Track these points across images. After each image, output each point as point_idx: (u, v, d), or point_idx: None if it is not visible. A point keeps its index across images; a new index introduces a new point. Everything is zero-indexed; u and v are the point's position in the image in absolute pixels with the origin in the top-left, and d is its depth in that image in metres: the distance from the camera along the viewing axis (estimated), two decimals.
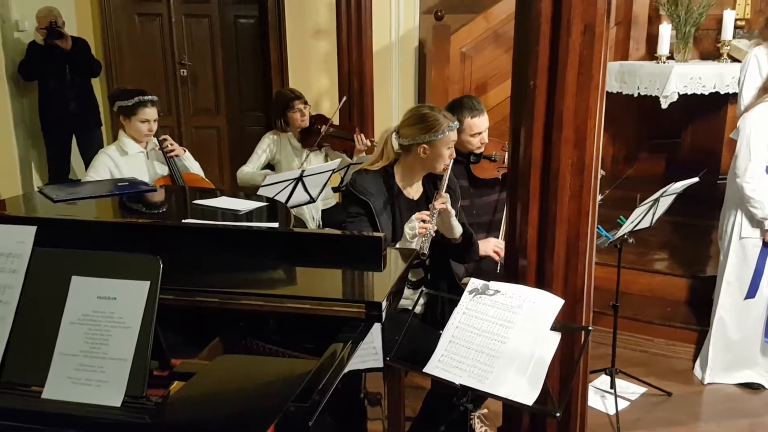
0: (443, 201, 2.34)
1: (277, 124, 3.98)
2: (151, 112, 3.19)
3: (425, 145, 2.39)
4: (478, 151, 3.02)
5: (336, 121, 4.14)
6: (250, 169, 3.93)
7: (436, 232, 2.41)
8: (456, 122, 2.45)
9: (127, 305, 1.26)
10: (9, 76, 4.91)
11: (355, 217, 2.41)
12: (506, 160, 3.01)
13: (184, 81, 5.92)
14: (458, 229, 2.43)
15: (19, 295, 1.31)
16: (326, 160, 3.95)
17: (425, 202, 2.46)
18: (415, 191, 2.53)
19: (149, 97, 3.20)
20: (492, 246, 2.82)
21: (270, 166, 4.04)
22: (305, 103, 3.94)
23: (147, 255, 1.29)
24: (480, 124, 2.97)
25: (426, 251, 2.32)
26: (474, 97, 3.09)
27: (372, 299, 1.59)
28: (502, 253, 2.80)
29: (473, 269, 2.82)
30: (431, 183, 2.54)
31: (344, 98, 4.30)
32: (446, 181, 2.42)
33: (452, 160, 2.46)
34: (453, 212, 2.39)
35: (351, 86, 4.63)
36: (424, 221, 2.31)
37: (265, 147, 3.97)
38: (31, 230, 1.36)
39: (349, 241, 1.91)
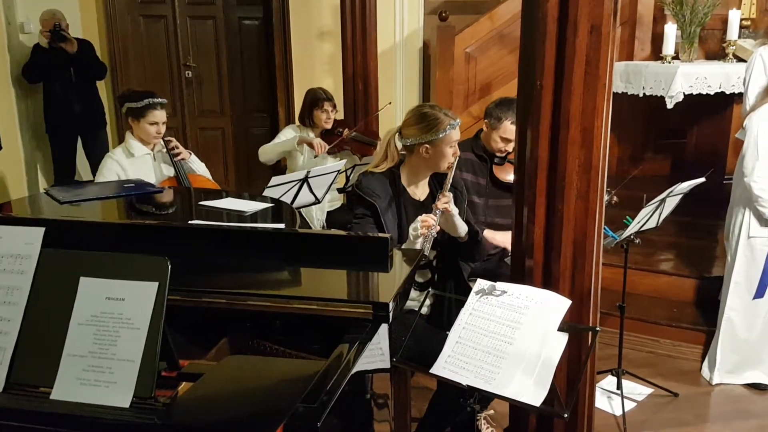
0: (446, 201, 2.33)
1: (302, 119, 4.05)
2: (160, 115, 3.19)
3: (427, 145, 2.38)
4: (501, 155, 3.04)
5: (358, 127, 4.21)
6: (276, 141, 4.00)
7: (443, 231, 2.41)
8: (458, 120, 2.44)
9: (136, 306, 1.26)
10: (14, 79, 4.92)
11: (361, 218, 2.41)
12: None
13: (189, 82, 5.93)
14: (463, 228, 2.42)
15: (28, 297, 1.32)
16: None
17: (431, 202, 2.45)
18: (421, 192, 2.53)
19: (159, 100, 3.20)
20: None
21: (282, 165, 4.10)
22: (334, 106, 4.03)
23: (155, 256, 1.29)
24: (514, 132, 2.98)
25: (427, 252, 2.31)
26: None
27: (379, 300, 1.59)
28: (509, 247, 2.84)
29: (481, 270, 2.83)
30: (437, 183, 2.53)
31: (389, 103, 4.32)
32: (450, 180, 2.41)
33: (457, 159, 2.45)
34: (456, 211, 2.38)
35: (355, 88, 4.64)
36: (427, 221, 2.30)
37: (289, 134, 4.04)
38: (40, 231, 1.36)
39: (355, 242, 1.91)
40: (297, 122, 4.16)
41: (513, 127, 2.93)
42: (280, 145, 3.98)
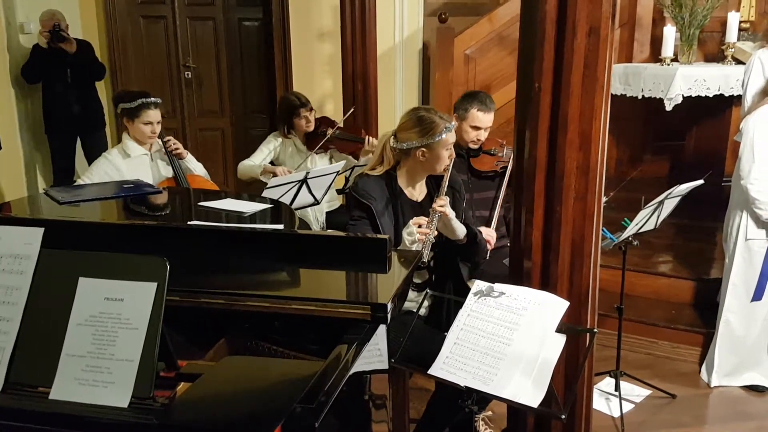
0: (442, 204, 2.33)
1: (282, 128, 4.00)
2: (154, 114, 3.19)
3: (424, 149, 2.39)
4: (474, 147, 3.09)
5: (341, 124, 4.16)
6: (250, 163, 3.94)
7: (441, 233, 2.41)
8: (453, 123, 2.45)
9: (134, 306, 1.27)
10: (14, 79, 4.92)
11: (357, 220, 2.42)
12: (505, 155, 3.07)
13: (188, 83, 5.93)
14: (461, 231, 2.43)
15: (27, 297, 1.32)
16: (331, 163, 3.96)
17: (429, 203, 2.46)
18: (418, 193, 2.53)
19: (152, 99, 3.20)
20: (483, 235, 2.84)
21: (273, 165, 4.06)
22: (311, 109, 3.98)
23: (154, 256, 1.30)
24: (483, 119, 3.03)
25: (425, 258, 2.30)
26: (490, 96, 3.13)
27: (377, 301, 1.59)
28: (493, 242, 2.87)
29: (480, 272, 2.83)
30: (435, 184, 2.54)
31: (352, 109, 4.28)
32: (446, 183, 2.42)
33: (452, 161, 2.46)
34: (453, 214, 2.38)
35: (355, 89, 4.64)
36: (420, 226, 2.30)
37: (271, 147, 4.01)
38: (39, 231, 1.36)
39: (354, 243, 1.91)
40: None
41: (480, 114, 3.03)
42: (251, 168, 3.91)
